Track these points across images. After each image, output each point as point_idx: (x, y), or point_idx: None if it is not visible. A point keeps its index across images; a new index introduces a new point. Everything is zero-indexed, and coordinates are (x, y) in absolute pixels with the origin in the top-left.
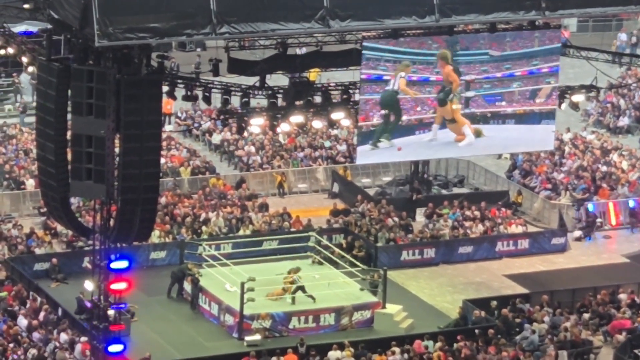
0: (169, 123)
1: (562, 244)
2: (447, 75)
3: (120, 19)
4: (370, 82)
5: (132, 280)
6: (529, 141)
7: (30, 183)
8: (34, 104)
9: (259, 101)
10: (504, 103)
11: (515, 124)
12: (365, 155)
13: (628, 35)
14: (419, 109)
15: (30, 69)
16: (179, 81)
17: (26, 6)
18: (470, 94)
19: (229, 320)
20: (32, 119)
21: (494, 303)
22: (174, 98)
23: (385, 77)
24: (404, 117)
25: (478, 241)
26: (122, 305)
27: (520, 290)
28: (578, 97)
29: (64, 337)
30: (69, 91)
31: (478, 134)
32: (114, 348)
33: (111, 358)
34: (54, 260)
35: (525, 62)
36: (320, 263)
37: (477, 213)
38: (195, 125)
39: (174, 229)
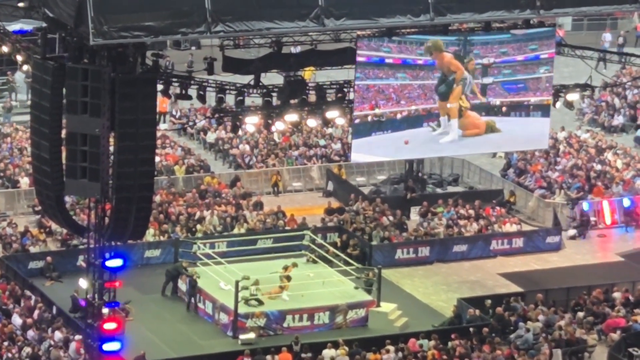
0: (164, 121)
1: (557, 242)
2: (448, 64)
3: (115, 17)
4: (372, 66)
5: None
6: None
7: (25, 181)
8: (28, 102)
9: (254, 100)
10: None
11: (542, 116)
12: (359, 149)
13: (613, 36)
14: (426, 97)
15: (25, 67)
16: (174, 80)
17: (21, 4)
18: (487, 80)
19: (224, 318)
20: (19, 118)
21: (489, 302)
22: (169, 97)
23: (387, 60)
24: (412, 107)
25: (472, 240)
26: (114, 304)
27: (515, 288)
28: (573, 96)
29: (58, 335)
30: (64, 89)
31: (491, 128)
32: (109, 346)
33: (105, 356)
34: (49, 258)
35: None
36: (314, 261)
37: (471, 212)
38: (190, 123)
39: (169, 227)
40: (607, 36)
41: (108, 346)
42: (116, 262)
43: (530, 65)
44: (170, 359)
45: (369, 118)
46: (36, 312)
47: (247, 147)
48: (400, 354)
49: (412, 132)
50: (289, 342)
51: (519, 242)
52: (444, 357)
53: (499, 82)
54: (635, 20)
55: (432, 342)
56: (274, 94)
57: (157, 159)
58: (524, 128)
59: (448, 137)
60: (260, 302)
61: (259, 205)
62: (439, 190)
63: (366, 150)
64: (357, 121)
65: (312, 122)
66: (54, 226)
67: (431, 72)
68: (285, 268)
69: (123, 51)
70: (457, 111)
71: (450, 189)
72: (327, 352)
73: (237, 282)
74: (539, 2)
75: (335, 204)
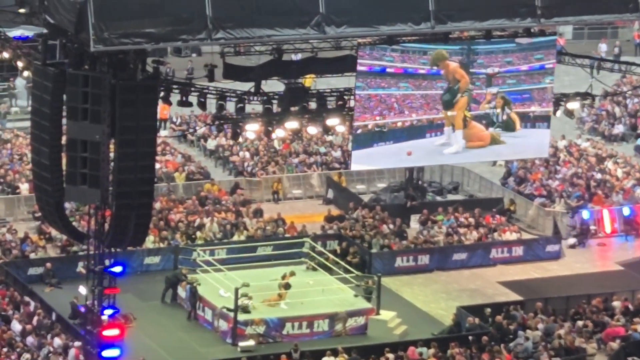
0: (164, 128)
1: (556, 251)
2: (453, 73)
3: (115, 24)
4: (374, 75)
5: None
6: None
7: (25, 187)
8: (29, 109)
9: (254, 107)
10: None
11: (548, 127)
12: (359, 160)
13: (609, 46)
14: (430, 107)
15: (26, 73)
16: (174, 86)
17: (22, 11)
18: (492, 90)
19: (223, 325)
20: (19, 124)
21: (488, 310)
22: (169, 103)
23: (389, 70)
24: (413, 117)
25: (472, 248)
26: (115, 310)
27: (515, 297)
28: (573, 105)
29: (57, 341)
30: (64, 96)
31: (495, 141)
32: (108, 353)
33: None
34: (48, 264)
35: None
36: (314, 269)
37: (471, 220)
38: (190, 130)
39: (169, 234)
40: (603, 46)
41: (107, 353)
42: (115, 269)
43: (536, 75)
44: None
45: (369, 127)
46: (35, 319)
47: (248, 155)
48: None
49: (415, 142)
50: (288, 350)
51: (518, 251)
52: None
53: (503, 92)
54: (634, 29)
55: (432, 350)
56: (275, 101)
57: (157, 165)
58: (526, 138)
59: (452, 148)
60: (246, 311)
61: (259, 213)
62: (439, 199)
63: (367, 161)
64: (358, 131)
65: (313, 130)
66: (54, 232)
67: (434, 82)
68: (283, 277)
69: (124, 58)
70: (462, 121)
71: (450, 197)
72: None
73: (236, 290)
74: (539, 11)
75: (335, 211)
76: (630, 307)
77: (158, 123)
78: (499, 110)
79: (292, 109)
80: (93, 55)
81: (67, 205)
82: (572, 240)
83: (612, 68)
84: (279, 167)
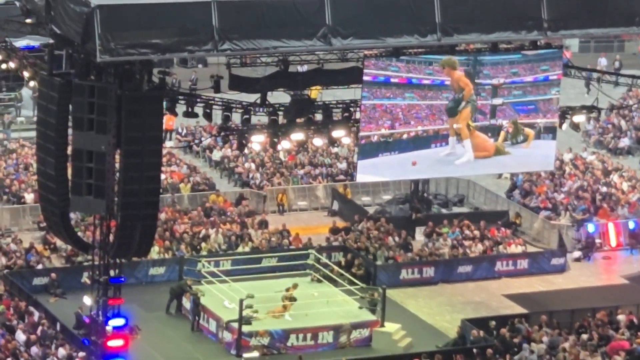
0: (170, 139)
1: (562, 264)
2: (458, 81)
3: (122, 34)
4: (379, 85)
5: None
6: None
7: (30, 197)
8: (34, 119)
9: (260, 118)
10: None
11: (553, 139)
12: (365, 170)
13: (609, 60)
14: (435, 118)
15: (32, 83)
16: (180, 97)
17: (28, 21)
18: (497, 101)
19: (228, 337)
20: (25, 134)
21: (493, 323)
22: (175, 114)
23: (393, 80)
24: (419, 128)
25: (477, 261)
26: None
27: (519, 310)
28: (579, 118)
29: (62, 352)
30: (70, 106)
31: (500, 151)
32: None
33: None
34: (53, 275)
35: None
36: (319, 281)
37: (476, 232)
38: (196, 141)
39: (174, 245)
40: (603, 61)
41: None
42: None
43: (542, 87)
44: None
45: (375, 138)
46: (40, 329)
47: (253, 166)
48: None
49: (420, 153)
50: None
51: (523, 264)
52: None
53: (509, 103)
54: None
55: None
56: (280, 113)
57: (163, 176)
58: (532, 150)
59: (463, 158)
60: (249, 323)
61: (264, 224)
62: (444, 211)
63: (372, 171)
64: (363, 142)
65: (318, 141)
66: (59, 243)
67: (440, 92)
68: (287, 289)
69: (130, 68)
70: (467, 131)
71: (456, 209)
72: None
73: (241, 301)
74: (546, 24)
75: (340, 223)
76: (635, 320)
77: (163, 134)
78: (511, 131)
79: (298, 120)
80: (99, 65)
81: (72, 215)
82: (577, 254)
83: (617, 81)
84: (284, 179)
